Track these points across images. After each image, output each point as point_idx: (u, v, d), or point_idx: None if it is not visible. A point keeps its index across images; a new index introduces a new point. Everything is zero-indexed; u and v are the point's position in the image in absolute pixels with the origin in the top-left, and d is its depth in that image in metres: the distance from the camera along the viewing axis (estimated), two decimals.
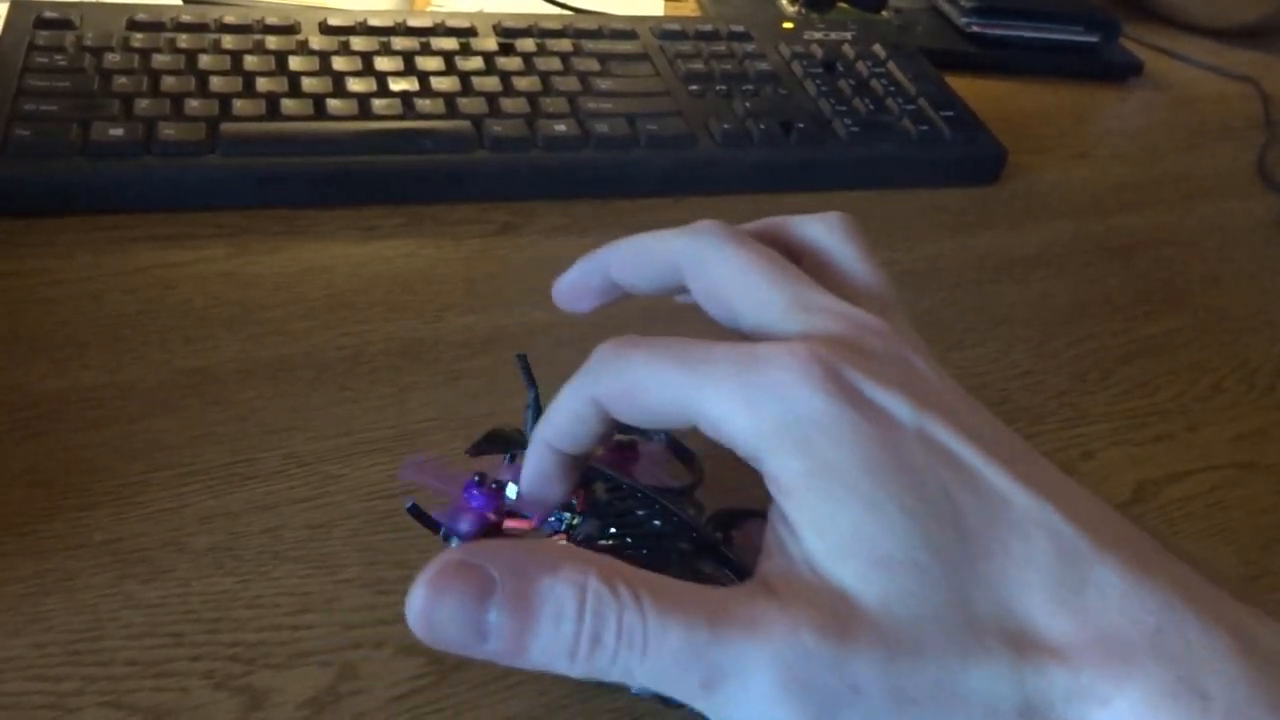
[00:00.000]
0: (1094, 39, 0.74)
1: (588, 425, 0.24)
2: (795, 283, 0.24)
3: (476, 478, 0.27)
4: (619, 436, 0.30)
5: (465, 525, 0.27)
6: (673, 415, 0.22)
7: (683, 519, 0.27)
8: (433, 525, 0.27)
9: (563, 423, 0.24)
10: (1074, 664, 0.19)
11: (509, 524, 0.28)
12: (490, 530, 0.27)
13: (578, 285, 0.28)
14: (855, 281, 0.26)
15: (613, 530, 0.27)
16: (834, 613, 0.20)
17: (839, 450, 0.20)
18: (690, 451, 0.31)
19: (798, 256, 0.26)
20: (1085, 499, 0.22)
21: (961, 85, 0.63)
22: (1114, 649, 0.19)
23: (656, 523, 0.27)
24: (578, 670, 0.20)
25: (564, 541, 0.27)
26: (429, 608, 0.20)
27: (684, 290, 0.26)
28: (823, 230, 0.27)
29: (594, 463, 0.28)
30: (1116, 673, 0.19)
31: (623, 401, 0.23)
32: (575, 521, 0.27)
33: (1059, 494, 0.21)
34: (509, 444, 0.29)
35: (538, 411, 0.28)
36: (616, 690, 0.30)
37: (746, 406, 0.21)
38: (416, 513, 0.27)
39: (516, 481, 0.26)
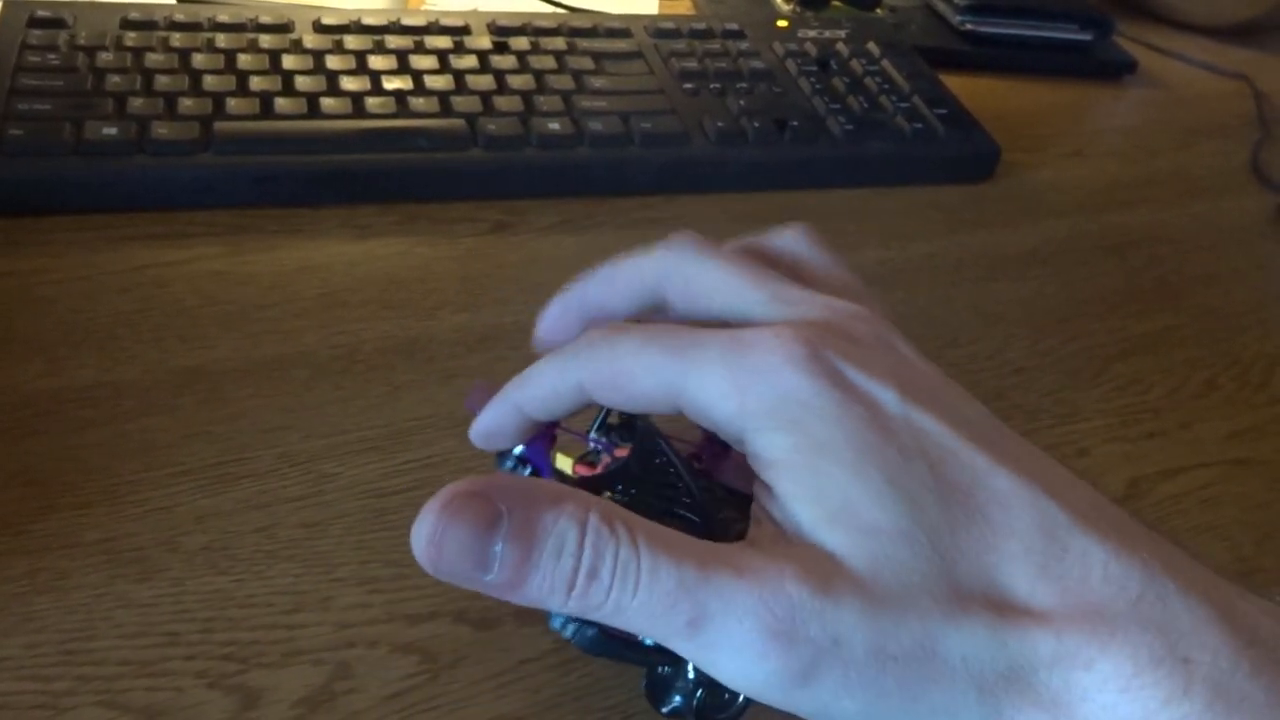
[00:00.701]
0: (1088, 37, 0.74)
1: (564, 402, 0.25)
2: (775, 281, 0.25)
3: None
4: None
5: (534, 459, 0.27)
6: (659, 401, 0.23)
7: (711, 524, 0.26)
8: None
9: (539, 395, 0.25)
10: (1057, 628, 0.20)
11: (578, 469, 0.28)
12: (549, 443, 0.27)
13: (559, 319, 0.27)
14: (831, 281, 0.26)
15: (634, 491, 0.26)
16: (820, 568, 0.20)
17: (827, 428, 0.21)
18: None
19: (772, 265, 0.27)
20: (1070, 481, 0.22)
21: (956, 83, 0.63)
22: (1097, 615, 0.20)
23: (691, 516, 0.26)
24: (571, 606, 0.20)
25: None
26: (439, 535, 0.20)
27: (660, 309, 0.26)
28: (791, 239, 0.27)
29: (684, 446, 0.27)
30: (1100, 637, 0.20)
31: (609, 387, 0.23)
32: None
33: (1042, 475, 0.21)
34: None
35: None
36: (610, 688, 0.30)
37: (734, 389, 0.22)
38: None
39: (596, 435, 0.27)
